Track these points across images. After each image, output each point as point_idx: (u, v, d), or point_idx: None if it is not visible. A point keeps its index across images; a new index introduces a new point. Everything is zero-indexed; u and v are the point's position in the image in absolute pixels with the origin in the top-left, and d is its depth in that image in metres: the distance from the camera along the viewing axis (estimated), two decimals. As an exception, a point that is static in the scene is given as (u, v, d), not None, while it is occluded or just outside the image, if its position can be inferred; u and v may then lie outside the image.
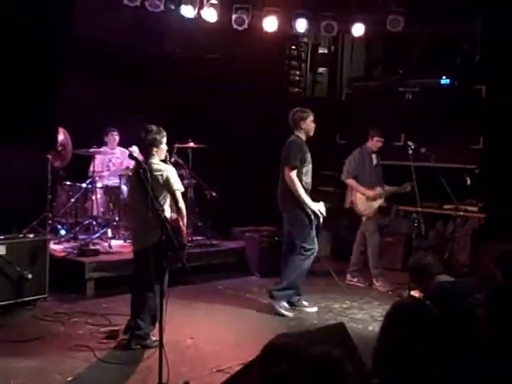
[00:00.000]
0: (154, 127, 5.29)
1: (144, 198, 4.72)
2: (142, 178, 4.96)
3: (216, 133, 8.70)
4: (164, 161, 5.43)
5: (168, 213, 5.14)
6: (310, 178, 6.54)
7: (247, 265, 8.18)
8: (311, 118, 6.59)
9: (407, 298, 3.26)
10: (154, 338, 5.17)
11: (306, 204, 6.36)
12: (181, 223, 5.12)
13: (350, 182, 7.90)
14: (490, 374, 2.73)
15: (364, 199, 7.86)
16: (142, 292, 5.17)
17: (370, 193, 7.80)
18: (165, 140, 5.37)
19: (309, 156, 6.52)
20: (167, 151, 5.53)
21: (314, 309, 6.70)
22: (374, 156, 7.92)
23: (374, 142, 7.85)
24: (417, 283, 4.51)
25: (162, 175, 5.16)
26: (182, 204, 5.23)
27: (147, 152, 5.27)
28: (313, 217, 6.45)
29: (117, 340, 5.36)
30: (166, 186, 5.18)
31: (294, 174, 6.35)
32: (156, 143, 5.27)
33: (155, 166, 5.21)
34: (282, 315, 6.37)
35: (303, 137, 6.58)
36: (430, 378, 2.48)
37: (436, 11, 8.27)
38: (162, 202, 5.05)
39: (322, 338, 4.46)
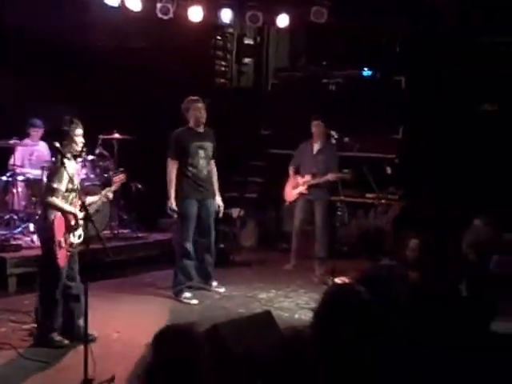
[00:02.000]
0: (68, 118, 5.13)
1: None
2: None
3: (142, 124, 8.61)
4: (78, 155, 5.28)
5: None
6: (200, 168, 6.58)
7: (175, 256, 8.14)
8: (196, 105, 6.58)
9: (342, 284, 3.31)
10: (58, 338, 5.12)
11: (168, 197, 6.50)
12: (55, 224, 5.00)
13: (290, 169, 8.10)
14: (414, 363, 2.85)
15: (289, 186, 8.09)
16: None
17: (293, 181, 8.01)
18: (78, 132, 5.14)
19: (195, 145, 6.52)
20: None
21: (223, 289, 6.96)
22: (317, 145, 7.98)
23: (313, 128, 7.96)
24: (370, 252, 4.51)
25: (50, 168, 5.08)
26: (51, 201, 4.95)
27: (62, 144, 5.06)
28: (196, 208, 6.58)
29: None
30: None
31: (171, 163, 6.51)
32: (67, 136, 5.08)
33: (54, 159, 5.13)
34: (188, 303, 6.50)
35: (195, 127, 6.60)
36: (359, 363, 2.56)
37: (358, 4, 8.46)
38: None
39: (250, 327, 4.53)
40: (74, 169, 5.19)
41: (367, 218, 8.73)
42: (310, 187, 7.88)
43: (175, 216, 6.63)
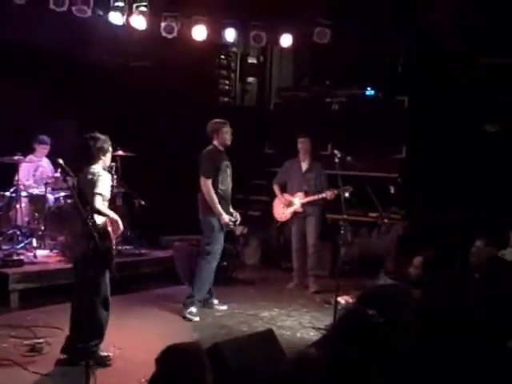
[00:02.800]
0: (101, 135, 5.14)
1: (75, 207, 4.66)
2: (80, 190, 4.91)
3: (145, 141, 8.64)
4: (109, 170, 5.31)
5: (100, 219, 4.97)
6: (227, 185, 6.84)
7: (176, 274, 8.14)
8: (225, 129, 6.84)
9: (354, 308, 3.28)
10: (103, 354, 5.04)
11: (217, 213, 6.66)
12: (109, 227, 5.00)
13: (274, 187, 8.22)
14: (419, 381, 2.84)
15: (279, 205, 8.15)
16: (81, 303, 4.94)
17: (283, 199, 8.10)
18: (110, 149, 5.23)
19: (224, 164, 6.81)
20: None
21: (225, 306, 7.01)
22: (304, 163, 8.06)
23: (299, 145, 8.03)
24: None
25: (92, 178, 4.97)
26: (101, 208, 4.93)
27: (89, 159, 5.07)
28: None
29: (41, 353, 5.23)
30: (91, 188, 4.93)
31: (208, 182, 6.64)
32: (103, 151, 5.12)
33: (91, 170, 5.03)
34: (190, 320, 6.53)
35: (220, 146, 6.84)
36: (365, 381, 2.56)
37: (361, 24, 8.52)
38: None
39: (251, 345, 4.52)
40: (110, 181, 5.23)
41: (370, 237, 8.72)
42: (303, 205, 7.94)
43: (235, 225, 6.86)
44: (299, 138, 8.08)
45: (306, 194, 7.96)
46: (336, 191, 7.49)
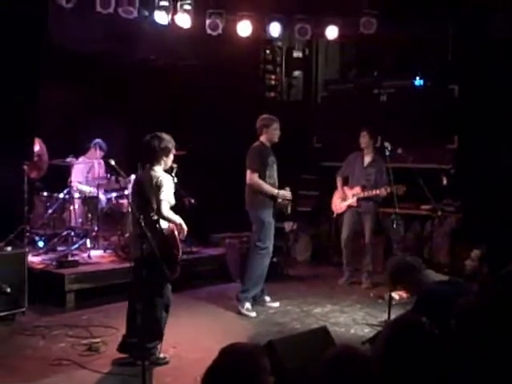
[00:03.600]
0: (165, 135, 5.12)
1: (142, 211, 4.71)
2: (140, 189, 4.94)
3: (193, 139, 8.67)
4: (169, 171, 5.29)
5: (164, 223, 4.98)
6: (274, 181, 6.85)
7: (228, 271, 8.16)
8: (274, 126, 6.86)
9: (405, 320, 3.22)
10: (161, 355, 5.05)
11: (273, 194, 6.71)
12: (176, 234, 5.03)
13: (337, 179, 8.16)
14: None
15: (337, 197, 8.10)
16: (143, 306, 4.86)
17: (341, 192, 8.04)
18: (174, 150, 5.22)
19: (271, 160, 6.82)
20: None
21: (277, 303, 7.00)
22: (367, 157, 8.00)
23: (360, 139, 7.96)
24: (399, 285, 4.50)
25: (156, 181, 4.96)
26: (168, 214, 4.98)
27: (152, 159, 5.07)
28: (271, 217, 6.75)
29: (98, 352, 5.30)
30: (156, 192, 4.96)
31: (254, 176, 6.68)
32: (167, 151, 5.11)
33: (154, 173, 5.03)
34: (246, 316, 6.58)
35: (267, 143, 6.86)
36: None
37: (408, 12, 8.35)
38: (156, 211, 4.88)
39: (306, 343, 4.48)
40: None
41: (422, 232, 8.56)
42: (359, 200, 7.84)
43: (288, 194, 6.81)
44: (361, 132, 7.99)
45: (364, 188, 7.85)
46: (389, 189, 7.35)
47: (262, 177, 6.71)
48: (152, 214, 4.77)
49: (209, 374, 2.50)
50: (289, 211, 7.00)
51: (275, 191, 6.74)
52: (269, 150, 6.86)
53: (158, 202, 4.94)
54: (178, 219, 5.09)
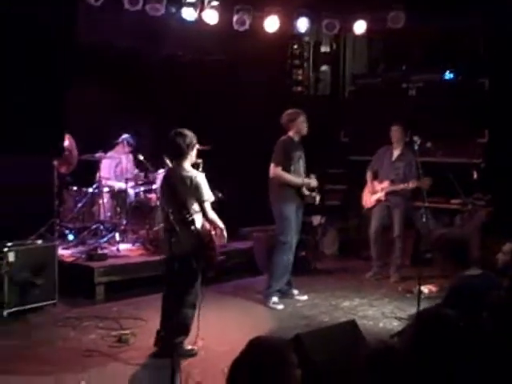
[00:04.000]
0: (188, 131, 5.12)
1: (173, 205, 4.75)
2: (170, 185, 4.97)
3: (220, 134, 8.70)
4: (194, 166, 5.31)
5: (199, 222, 4.98)
6: (299, 175, 6.82)
7: (256, 265, 8.17)
8: (301, 118, 6.82)
9: (432, 312, 3.19)
10: (188, 347, 5.11)
11: (298, 183, 6.71)
12: (213, 234, 5.04)
13: (367, 174, 8.14)
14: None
15: (367, 191, 8.07)
16: (172, 301, 4.96)
17: (370, 186, 8.00)
18: (197, 145, 5.24)
19: (297, 155, 6.79)
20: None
21: (305, 297, 7.00)
22: (396, 151, 7.96)
23: (391, 133, 7.93)
24: (452, 265, 4.33)
25: (191, 182, 4.98)
26: (211, 215, 5.04)
27: (179, 156, 5.09)
28: (295, 211, 6.73)
29: (128, 344, 5.36)
30: (195, 194, 4.99)
31: (277, 169, 6.66)
32: (192, 147, 5.12)
33: (186, 173, 5.05)
34: (274, 309, 6.61)
35: (295, 137, 6.84)
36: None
37: (436, 6, 8.25)
38: (191, 211, 4.89)
39: (334, 336, 4.46)
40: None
41: (452, 226, 8.47)
42: (388, 194, 7.80)
43: (314, 182, 6.81)
44: (392, 126, 7.94)
45: (393, 182, 7.82)
46: (416, 182, 7.29)
47: (287, 171, 6.70)
48: (187, 214, 4.81)
49: (235, 366, 2.50)
50: (317, 201, 6.99)
51: (299, 180, 6.72)
52: (296, 144, 6.83)
53: (201, 204, 4.99)
54: (220, 224, 5.12)
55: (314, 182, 6.82)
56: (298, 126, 6.79)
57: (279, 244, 6.78)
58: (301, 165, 6.84)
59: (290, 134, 6.82)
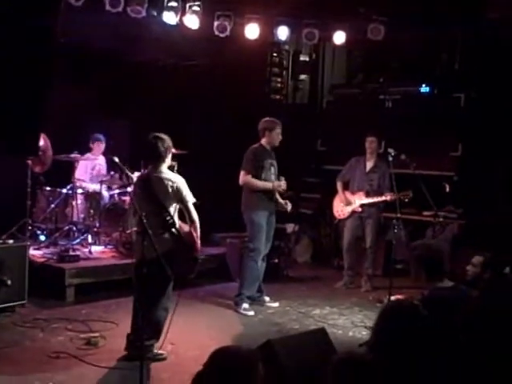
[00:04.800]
0: (164, 135, 5.16)
1: (149, 208, 4.75)
2: (147, 188, 4.98)
3: (197, 139, 8.72)
4: (170, 169, 5.34)
5: (177, 222, 5.07)
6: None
7: (228, 271, 8.17)
8: (277, 130, 6.83)
9: (401, 299, 3.24)
10: (158, 351, 5.10)
11: (266, 188, 6.73)
12: (194, 235, 5.08)
13: (337, 184, 8.14)
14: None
15: (339, 202, 8.08)
16: (143, 305, 4.86)
17: (343, 197, 8.01)
18: (172, 148, 5.29)
19: (269, 163, 6.81)
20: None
21: (276, 304, 7.01)
22: (370, 162, 8.00)
23: (367, 144, 7.96)
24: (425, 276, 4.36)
25: (172, 186, 5.04)
26: (195, 216, 5.12)
27: (158, 159, 5.13)
28: (266, 219, 6.77)
29: (97, 347, 5.33)
30: (177, 197, 5.05)
31: (247, 177, 6.71)
32: (169, 151, 5.18)
33: (165, 175, 5.10)
34: (245, 315, 6.62)
35: (267, 146, 6.85)
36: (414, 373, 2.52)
37: (416, 20, 8.36)
38: (172, 213, 5.00)
39: (304, 343, 4.49)
40: None
41: (425, 238, 8.57)
42: (362, 205, 7.85)
43: (282, 184, 6.80)
44: (367, 138, 7.97)
45: (367, 194, 7.87)
46: (396, 195, 7.30)
47: (258, 179, 6.73)
48: (168, 217, 4.84)
49: (199, 378, 2.49)
50: (289, 209, 7.01)
51: (269, 184, 6.73)
52: (268, 153, 6.85)
53: (186, 206, 5.06)
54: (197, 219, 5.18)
55: (283, 185, 6.82)
56: (273, 137, 6.81)
57: (248, 251, 6.80)
58: (272, 173, 6.85)
59: (263, 142, 6.83)
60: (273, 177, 6.84)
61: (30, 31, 6.69)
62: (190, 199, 5.12)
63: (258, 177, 6.72)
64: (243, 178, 6.72)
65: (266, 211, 6.78)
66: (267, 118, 6.91)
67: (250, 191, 6.75)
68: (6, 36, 6.47)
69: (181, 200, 5.07)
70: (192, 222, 5.11)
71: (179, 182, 5.11)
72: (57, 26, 7.13)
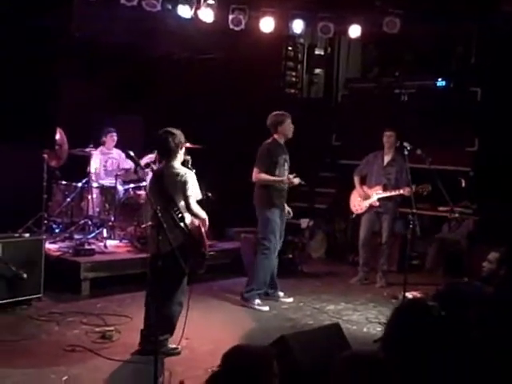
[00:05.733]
0: (176, 130, 5.13)
1: (162, 203, 4.75)
2: (160, 182, 4.97)
3: (212, 133, 8.70)
4: (184, 164, 5.32)
5: (188, 219, 5.01)
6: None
7: (242, 266, 8.17)
8: (288, 121, 6.74)
9: (413, 298, 3.23)
10: (172, 346, 5.10)
11: (277, 182, 6.65)
12: (202, 230, 5.07)
13: (355, 178, 8.08)
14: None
15: (356, 197, 8.01)
16: (158, 299, 4.84)
17: (361, 191, 7.94)
18: (185, 143, 5.26)
19: (283, 158, 6.72)
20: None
21: (290, 299, 6.96)
22: (387, 156, 7.95)
23: (385, 138, 7.91)
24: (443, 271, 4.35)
25: (179, 180, 5.01)
26: (197, 211, 5.06)
27: (169, 155, 5.11)
28: (279, 215, 6.71)
29: (112, 340, 5.36)
30: (181, 190, 5.00)
31: (260, 174, 6.64)
32: (181, 146, 5.14)
33: (176, 170, 5.07)
34: (259, 311, 6.59)
35: (281, 139, 6.77)
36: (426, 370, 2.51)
37: (432, 13, 8.29)
38: (180, 208, 4.95)
39: (318, 339, 4.49)
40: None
41: (441, 232, 8.53)
42: (380, 199, 7.80)
43: (295, 180, 6.72)
44: (385, 132, 7.91)
45: (385, 188, 7.80)
46: (414, 189, 7.21)
47: (272, 175, 6.67)
48: (177, 212, 4.84)
49: (215, 377, 2.48)
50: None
51: (281, 178, 6.66)
52: (281, 148, 6.77)
53: (186, 199, 5.00)
54: (203, 214, 5.14)
55: (296, 180, 6.74)
56: (285, 129, 6.72)
57: (261, 248, 6.75)
58: (285, 169, 6.78)
59: (276, 136, 6.74)
60: (286, 173, 6.77)
61: (45, 26, 6.74)
62: (193, 194, 5.03)
63: (272, 173, 6.66)
64: (256, 175, 6.68)
65: (278, 208, 6.74)
66: (275, 112, 6.78)
67: (262, 187, 6.71)
68: (21, 31, 6.52)
69: (183, 192, 5.00)
70: (193, 215, 5.05)
71: (188, 176, 5.06)
72: (72, 21, 7.18)
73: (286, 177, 6.71)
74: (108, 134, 8.36)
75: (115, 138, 8.41)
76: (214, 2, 7.87)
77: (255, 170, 6.69)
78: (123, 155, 8.30)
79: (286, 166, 6.79)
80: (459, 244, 4.54)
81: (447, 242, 4.54)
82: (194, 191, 5.07)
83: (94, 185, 8.02)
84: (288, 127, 6.73)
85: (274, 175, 6.67)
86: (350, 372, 2.48)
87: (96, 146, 8.15)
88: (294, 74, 10.80)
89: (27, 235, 6.46)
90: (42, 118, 7.07)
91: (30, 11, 6.64)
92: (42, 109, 7.02)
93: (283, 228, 6.93)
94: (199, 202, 5.22)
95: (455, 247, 4.36)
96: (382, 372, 2.45)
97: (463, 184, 8.48)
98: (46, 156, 7.43)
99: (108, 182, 8.18)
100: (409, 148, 7.08)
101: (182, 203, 5.01)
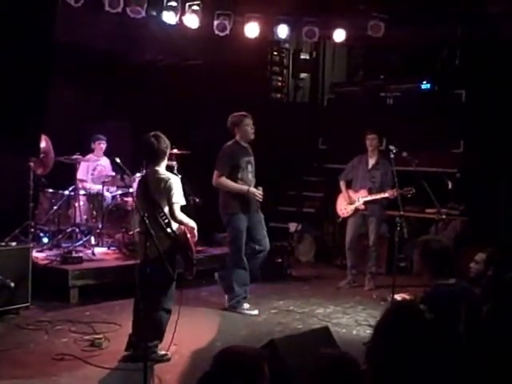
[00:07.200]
0: (162, 135, 5.10)
1: (148, 209, 4.74)
2: (146, 188, 4.96)
3: (199, 139, 8.71)
4: (170, 169, 5.34)
5: (175, 225, 5.00)
6: (248, 183, 6.50)
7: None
8: (245, 122, 6.49)
9: (402, 301, 3.23)
10: (161, 352, 5.09)
11: (241, 192, 6.38)
12: (188, 236, 5.04)
13: (340, 183, 8.10)
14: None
15: (342, 201, 8.03)
16: (146, 305, 4.77)
17: (346, 196, 7.96)
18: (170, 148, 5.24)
19: (245, 161, 6.48)
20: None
21: (256, 311, 6.68)
22: (372, 159, 7.97)
23: (368, 142, 7.93)
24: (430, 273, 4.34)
25: (164, 185, 4.97)
26: (182, 218, 5.01)
27: (155, 159, 5.09)
28: (246, 220, 6.48)
29: (101, 348, 5.33)
30: (166, 195, 4.97)
31: (221, 179, 6.39)
32: (166, 151, 5.13)
33: (160, 176, 5.05)
34: (249, 315, 6.52)
35: (242, 141, 6.55)
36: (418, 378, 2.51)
37: (416, 16, 8.35)
38: (167, 213, 4.94)
39: (308, 342, 4.49)
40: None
41: (428, 234, 8.56)
42: (366, 203, 7.83)
43: (258, 192, 6.44)
44: (367, 135, 7.93)
45: (370, 191, 7.83)
46: (398, 191, 7.23)
47: (234, 179, 6.42)
48: (163, 217, 4.83)
49: (203, 380, 2.47)
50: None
51: (244, 188, 6.38)
52: (243, 150, 6.53)
53: (170, 206, 4.97)
54: (191, 223, 5.09)
55: (258, 193, 6.42)
56: (244, 130, 6.48)
57: (230, 253, 6.64)
58: (249, 171, 6.51)
59: (237, 138, 6.53)
60: (250, 175, 6.51)
61: (28, 31, 6.70)
62: (177, 200, 4.98)
63: (234, 176, 6.40)
64: (216, 179, 6.41)
65: (245, 214, 6.48)
66: (234, 114, 6.58)
67: (225, 193, 6.48)
68: (5, 36, 6.48)
69: (168, 198, 4.96)
70: (177, 222, 5.01)
71: (172, 181, 5.02)
72: (55, 27, 7.15)
73: (248, 190, 6.40)
74: (96, 141, 8.35)
75: (103, 145, 8.40)
76: (198, 8, 7.88)
77: (215, 172, 6.43)
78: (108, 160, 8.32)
79: (250, 169, 6.53)
80: (446, 243, 4.54)
81: (433, 242, 4.54)
82: (179, 198, 5.03)
83: (81, 192, 7.99)
84: (245, 128, 6.47)
85: (236, 178, 6.42)
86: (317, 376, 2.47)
87: (84, 154, 8.13)
88: (279, 78, 10.84)
89: (14, 244, 6.44)
90: (27, 125, 7.02)
91: (15, 18, 6.59)
92: (27, 116, 6.97)
93: (263, 230, 6.66)
94: (187, 208, 5.22)
95: (442, 247, 4.35)
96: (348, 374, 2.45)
97: (450, 186, 8.53)
98: (32, 164, 7.39)
99: (95, 189, 8.14)
100: (395, 151, 7.13)
101: (167, 208, 5.01)
